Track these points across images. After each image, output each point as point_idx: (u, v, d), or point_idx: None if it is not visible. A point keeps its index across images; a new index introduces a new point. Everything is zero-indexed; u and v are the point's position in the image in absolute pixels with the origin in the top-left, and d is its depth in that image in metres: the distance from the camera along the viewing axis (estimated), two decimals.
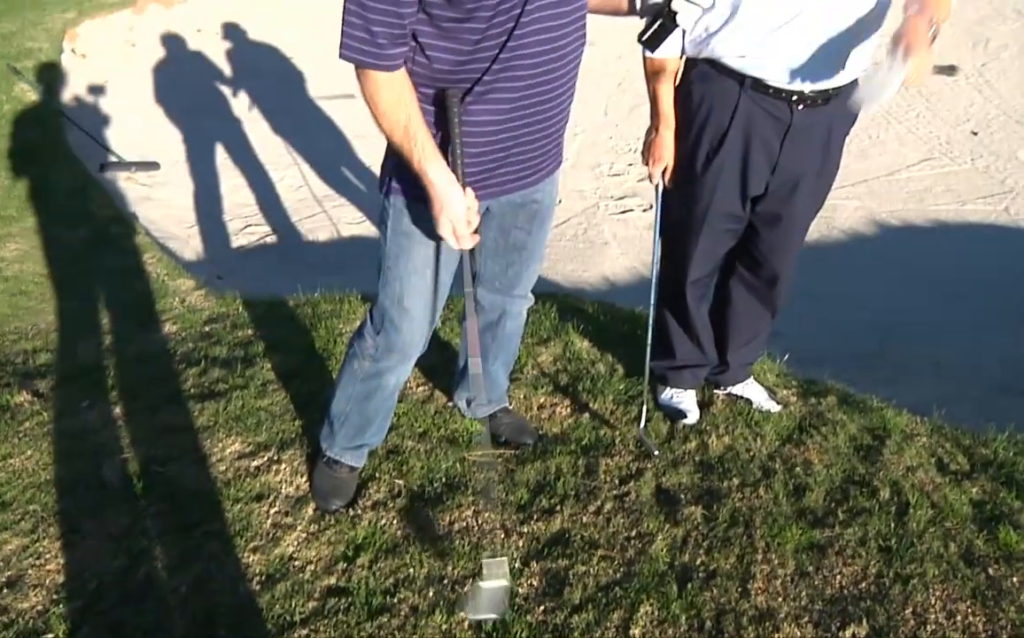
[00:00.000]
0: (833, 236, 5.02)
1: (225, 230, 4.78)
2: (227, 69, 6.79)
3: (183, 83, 6.52)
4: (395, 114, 1.79)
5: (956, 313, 4.33)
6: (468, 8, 1.74)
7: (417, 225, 1.96)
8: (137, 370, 2.98)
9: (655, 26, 1.89)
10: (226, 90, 6.43)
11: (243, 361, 2.95)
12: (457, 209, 1.82)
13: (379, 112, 1.81)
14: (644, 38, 1.91)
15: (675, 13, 1.85)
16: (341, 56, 1.78)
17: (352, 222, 4.65)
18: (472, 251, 1.91)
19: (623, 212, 4.86)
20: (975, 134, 6.50)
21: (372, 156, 5.34)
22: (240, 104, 6.22)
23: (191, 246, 4.66)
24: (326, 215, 4.71)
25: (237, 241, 4.67)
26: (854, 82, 2.22)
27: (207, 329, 3.31)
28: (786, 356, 2.99)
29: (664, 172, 2.38)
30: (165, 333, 3.30)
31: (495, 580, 1.89)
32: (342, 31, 1.76)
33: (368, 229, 4.60)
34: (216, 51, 7.02)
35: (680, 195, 2.38)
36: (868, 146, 6.19)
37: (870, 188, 5.60)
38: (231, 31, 7.25)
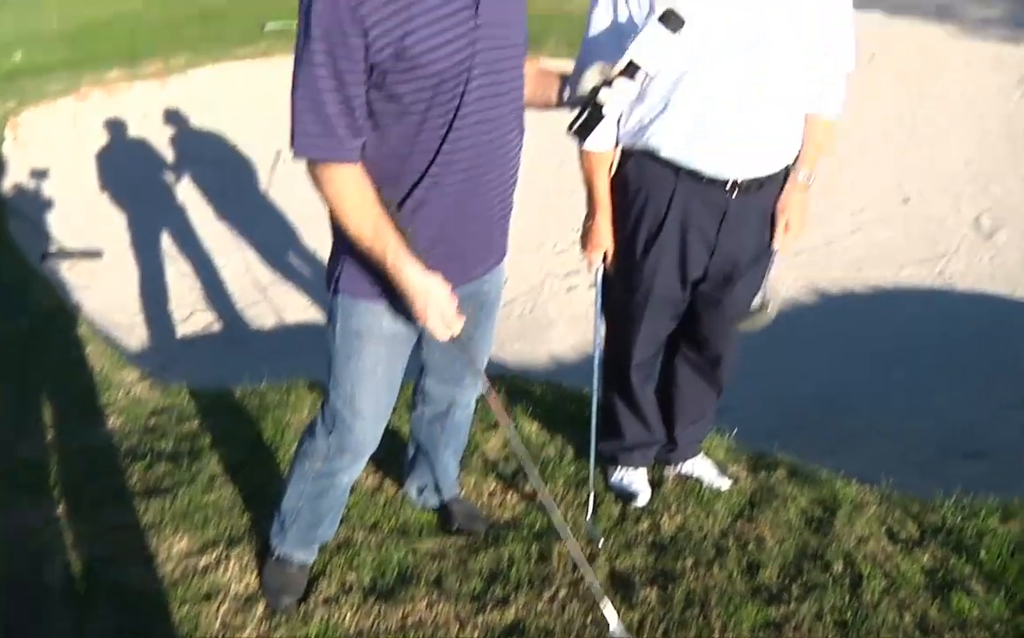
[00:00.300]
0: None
1: (170, 318, 4.72)
2: (171, 155, 6.78)
3: (127, 170, 6.49)
4: (364, 212, 1.78)
5: (897, 379, 4.42)
6: (405, 101, 1.77)
7: (367, 324, 1.95)
8: (80, 466, 2.91)
9: (583, 117, 1.92)
10: (170, 176, 6.41)
11: (189, 455, 2.90)
12: (441, 296, 1.81)
13: (346, 212, 1.79)
14: (573, 129, 1.94)
15: (601, 104, 1.88)
16: (296, 154, 1.76)
17: (297, 308, 4.64)
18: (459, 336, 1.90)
19: (568, 290, 4.90)
20: (906, 202, 6.70)
21: (317, 240, 5.34)
22: (184, 190, 6.20)
23: (136, 335, 4.60)
24: (270, 302, 4.68)
25: (182, 330, 4.61)
26: (785, 169, 2.29)
27: (152, 422, 3.25)
28: (735, 430, 3.02)
29: (604, 257, 2.42)
30: (109, 427, 3.24)
31: None
32: (293, 126, 1.75)
33: (314, 314, 4.58)
34: (160, 137, 7.00)
35: (620, 280, 2.43)
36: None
37: (809, 258, 5.72)
38: (174, 117, 7.25)
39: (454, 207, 1.87)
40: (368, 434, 2.09)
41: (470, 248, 1.98)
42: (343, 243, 1.92)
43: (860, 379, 4.36)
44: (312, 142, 1.74)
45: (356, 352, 1.98)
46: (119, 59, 8.11)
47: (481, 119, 1.85)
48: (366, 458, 2.16)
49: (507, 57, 1.89)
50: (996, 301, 5.35)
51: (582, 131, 1.93)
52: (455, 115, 1.81)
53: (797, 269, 5.62)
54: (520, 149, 2.00)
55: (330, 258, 2.02)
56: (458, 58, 1.76)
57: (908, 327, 5.00)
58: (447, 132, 1.82)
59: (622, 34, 2.10)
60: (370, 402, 2.04)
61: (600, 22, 2.18)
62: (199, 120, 7.23)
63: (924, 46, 11.42)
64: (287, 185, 6.08)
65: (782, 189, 2.36)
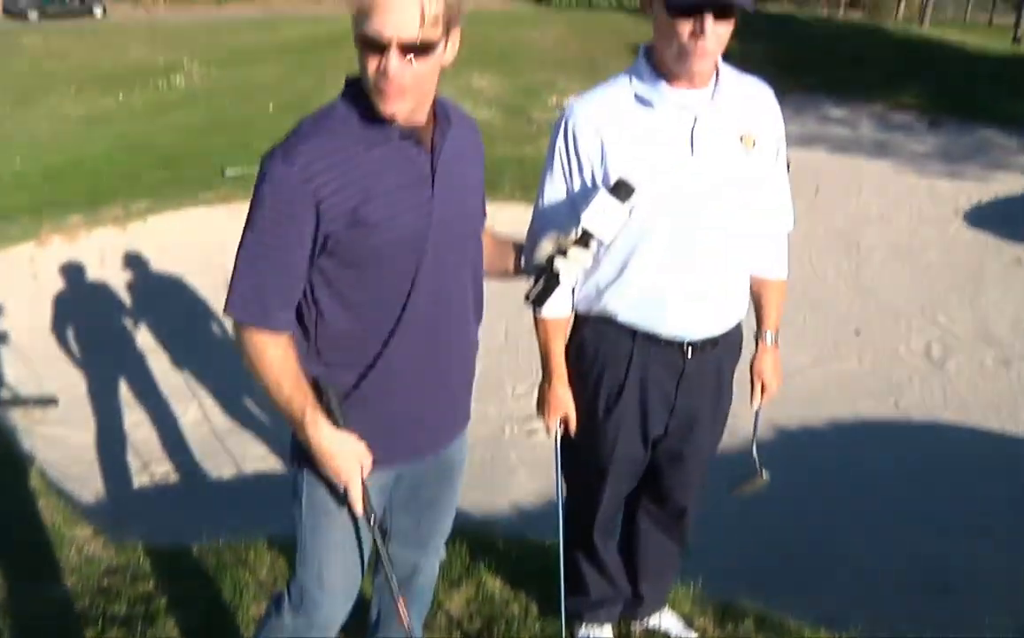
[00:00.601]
0: (735, 445, 5.14)
1: (126, 469, 4.64)
2: (129, 301, 6.77)
3: (84, 316, 6.45)
4: (282, 378, 1.79)
5: (860, 513, 4.45)
6: (360, 270, 1.80)
7: (333, 497, 1.93)
8: (29, 631, 2.82)
9: (539, 286, 1.96)
10: (128, 322, 6.38)
11: (144, 619, 2.82)
12: (356, 453, 1.81)
13: (263, 375, 1.80)
14: (530, 298, 1.98)
15: (557, 272, 1.93)
16: (225, 311, 1.78)
17: (256, 457, 4.59)
18: (384, 537, 1.90)
19: (529, 434, 4.91)
20: (858, 334, 6.86)
21: None
22: (142, 336, 6.17)
23: (90, 487, 4.50)
24: (229, 452, 4.63)
25: (139, 480, 4.53)
26: (738, 325, 2.37)
27: (106, 582, 3.16)
28: (700, 580, 3.00)
29: (562, 422, 2.44)
30: (61, 588, 3.14)
31: None
32: (230, 283, 1.78)
33: (273, 464, 4.53)
34: (119, 283, 7.00)
35: (581, 444, 2.44)
36: None
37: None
38: (134, 262, 7.27)
39: (416, 377, 1.88)
40: (338, 610, 2.04)
41: (436, 418, 1.98)
42: None
43: (823, 515, 4.38)
44: (242, 305, 1.77)
45: (323, 527, 1.95)
46: (80, 204, 8.16)
47: (439, 289, 1.88)
48: (335, 633, 2.11)
49: (464, 228, 1.93)
50: (950, 429, 5.46)
51: (539, 300, 1.97)
52: (412, 286, 1.84)
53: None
54: (479, 319, 2.04)
55: (293, 433, 2.01)
56: (413, 229, 1.80)
57: (867, 460, 5.06)
58: (405, 303, 1.84)
59: (574, 202, 2.18)
60: (340, 577, 2.00)
61: (552, 191, 2.25)
62: (158, 265, 7.25)
63: (866, 180, 11.90)
64: None
65: (736, 343, 2.42)
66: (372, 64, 1.66)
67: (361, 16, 1.65)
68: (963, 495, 4.59)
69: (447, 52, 1.75)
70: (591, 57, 18.07)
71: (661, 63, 2.13)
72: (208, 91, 14.58)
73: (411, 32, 1.64)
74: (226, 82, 15.18)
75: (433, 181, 1.82)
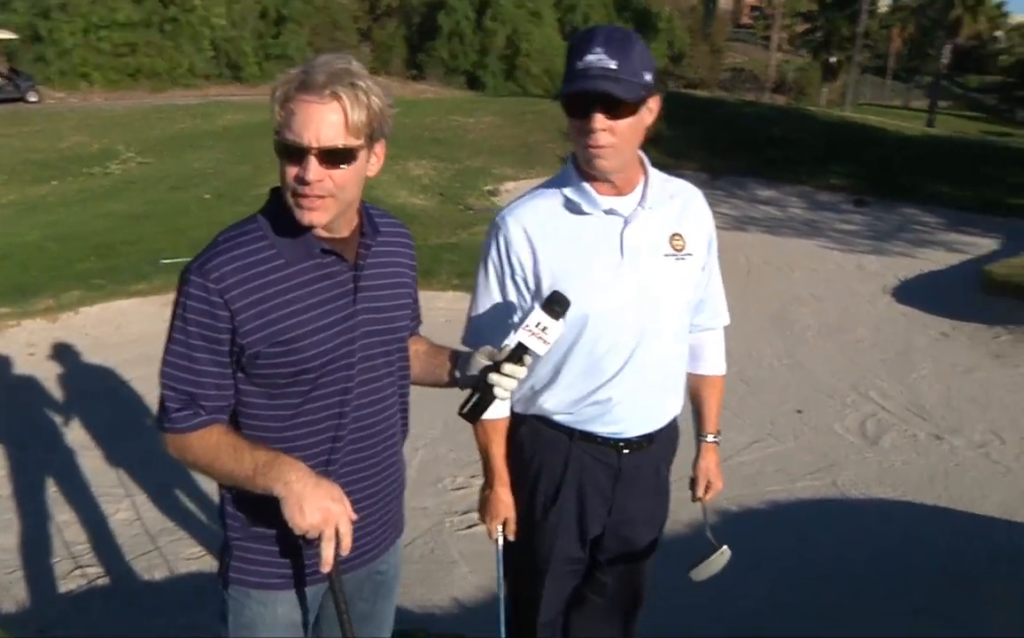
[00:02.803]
0: (676, 530, 5.15)
1: (52, 573, 4.45)
2: (59, 395, 6.58)
3: (11, 411, 6.26)
4: (214, 456, 1.77)
5: (801, 596, 4.45)
6: (281, 385, 1.79)
7: (259, 614, 1.89)
8: None
9: (474, 400, 1.97)
10: (57, 417, 6.20)
11: None
12: (324, 493, 1.72)
13: (200, 470, 1.81)
14: (464, 411, 1.98)
15: (492, 385, 1.93)
16: (158, 425, 1.81)
17: (190, 557, 4.44)
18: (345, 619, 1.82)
19: (469, 527, 4.84)
20: (800, 412, 6.96)
21: (211, 484, 5.18)
22: (71, 432, 5.99)
23: (13, 595, 4.31)
24: (160, 552, 4.49)
25: (66, 585, 4.35)
26: (674, 420, 2.40)
27: None
28: None
29: (504, 525, 2.43)
30: None
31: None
32: (160, 398, 1.80)
33: (208, 563, 4.39)
34: (48, 376, 6.82)
35: (521, 545, 2.44)
36: None
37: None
38: (64, 354, 7.10)
39: (345, 491, 1.83)
40: None
41: (367, 530, 1.96)
42: (227, 528, 1.90)
43: (763, 599, 4.38)
44: (170, 418, 1.76)
45: None
46: (9, 295, 7.97)
47: (365, 403, 1.88)
48: None
49: (389, 342, 1.94)
50: (887, 505, 5.52)
51: (472, 414, 1.97)
52: (339, 403, 1.83)
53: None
54: (406, 433, 2.04)
55: (222, 546, 1.97)
56: (335, 343, 1.80)
57: (808, 539, 5.08)
58: (332, 419, 1.83)
59: (509, 310, 2.22)
60: None
61: (486, 300, 2.27)
62: (90, 358, 7.09)
63: (796, 260, 12.23)
64: None
65: (673, 438, 2.46)
66: (291, 172, 1.67)
67: (281, 123, 1.66)
68: (905, 573, 4.63)
69: (371, 164, 1.76)
70: (525, 143, 18.38)
71: (585, 168, 2.19)
72: (143, 178, 14.46)
73: (331, 139, 1.65)
74: (162, 170, 15.09)
75: (356, 297, 1.82)
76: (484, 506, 2.44)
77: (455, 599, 4.21)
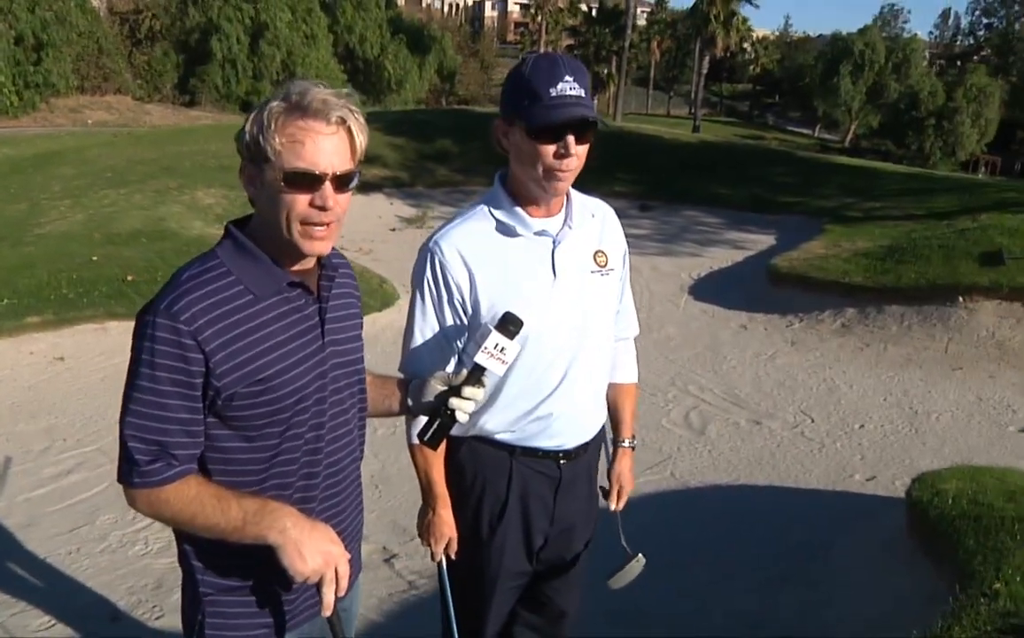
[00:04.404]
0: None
1: None
2: None
3: None
4: (195, 510, 1.68)
5: (667, 584, 4.65)
6: (258, 425, 1.73)
7: None
8: None
9: (435, 425, 1.98)
10: None
11: None
12: (322, 535, 1.68)
13: (174, 523, 1.71)
14: (427, 437, 1.98)
15: (453, 411, 1.95)
16: (119, 479, 1.71)
17: (39, 629, 4.08)
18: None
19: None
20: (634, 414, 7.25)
21: (46, 544, 4.80)
22: None
23: None
24: (3, 627, 4.10)
25: None
26: (603, 427, 2.49)
27: None
28: None
29: (447, 546, 2.43)
30: None
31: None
32: (120, 450, 1.70)
33: (62, 631, 4.06)
34: None
35: (466, 565, 2.45)
36: None
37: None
38: None
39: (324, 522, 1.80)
40: None
41: None
42: (197, 584, 1.79)
43: (633, 592, 4.54)
44: (137, 471, 1.66)
45: None
46: None
47: (338, 435, 1.86)
48: None
49: (353, 375, 1.92)
50: (724, 490, 5.88)
51: (434, 440, 1.98)
52: (315, 436, 1.80)
53: None
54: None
55: (184, 605, 1.86)
56: (309, 378, 1.77)
57: (658, 532, 5.29)
58: (308, 455, 1.80)
59: (445, 339, 2.24)
60: None
61: (424, 326, 2.28)
62: None
63: None
64: (20, 489, 5.47)
65: (599, 443, 2.55)
66: (302, 200, 1.63)
67: (281, 152, 1.61)
68: (756, 549, 4.95)
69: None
70: None
71: (519, 190, 2.23)
72: None
73: (343, 165, 1.64)
74: None
75: (323, 330, 1.79)
76: (427, 529, 2.43)
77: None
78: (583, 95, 2.12)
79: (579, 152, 2.15)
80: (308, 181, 1.64)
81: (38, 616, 4.13)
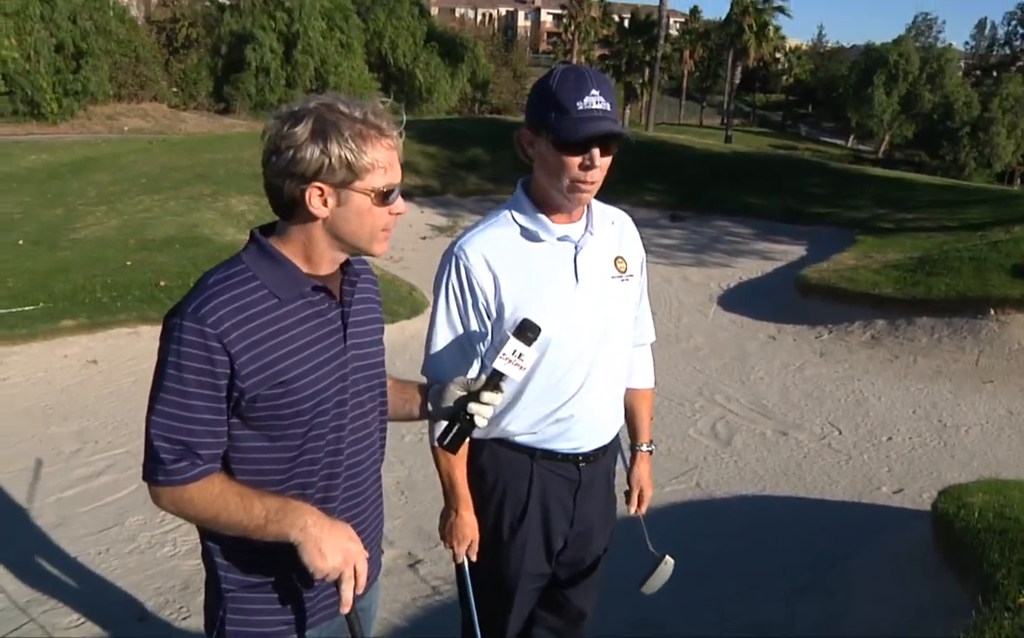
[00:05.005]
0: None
1: None
2: None
3: None
4: (219, 508, 1.72)
5: (689, 595, 4.65)
6: (282, 426, 1.77)
7: None
8: None
9: (455, 430, 2.01)
10: None
11: None
12: (341, 533, 1.72)
13: (198, 521, 1.75)
14: (446, 442, 2.02)
15: (472, 416, 1.99)
16: (144, 478, 1.75)
17: (69, 627, 4.16)
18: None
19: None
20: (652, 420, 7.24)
21: (78, 547, 4.89)
22: None
23: None
24: (36, 623, 4.18)
25: None
26: (616, 438, 2.52)
27: None
28: None
29: (469, 548, 2.46)
30: None
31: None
32: (146, 451, 1.73)
33: (90, 630, 4.14)
34: None
35: (487, 568, 2.48)
36: None
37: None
38: None
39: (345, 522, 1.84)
40: None
41: None
42: (219, 581, 1.83)
43: (654, 600, 4.54)
44: (163, 470, 1.70)
45: None
46: None
47: (357, 440, 1.89)
48: None
49: (375, 378, 1.96)
50: (750, 500, 5.86)
51: (454, 444, 2.02)
52: (336, 437, 1.83)
53: None
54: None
55: (207, 602, 1.90)
56: (331, 380, 1.81)
57: (683, 542, 5.27)
58: (330, 455, 1.83)
59: (469, 343, 2.27)
60: None
61: (445, 333, 2.32)
62: None
63: None
64: (51, 490, 5.59)
65: (617, 446, 2.57)
66: (383, 211, 1.71)
67: (361, 167, 1.69)
68: (779, 560, 4.94)
69: None
70: None
71: (542, 197, 2.27)
72: None
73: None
74: None
75: (346, 334, 1.83)
76: (449, 531, 2.46)
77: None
78: (609, 109, 2.16)
79: (603, 164, 2.18)
80: (386, 196, 1.77)
81: (68, 614, 4.21)
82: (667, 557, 2.77)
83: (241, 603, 1.81)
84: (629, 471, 2.72)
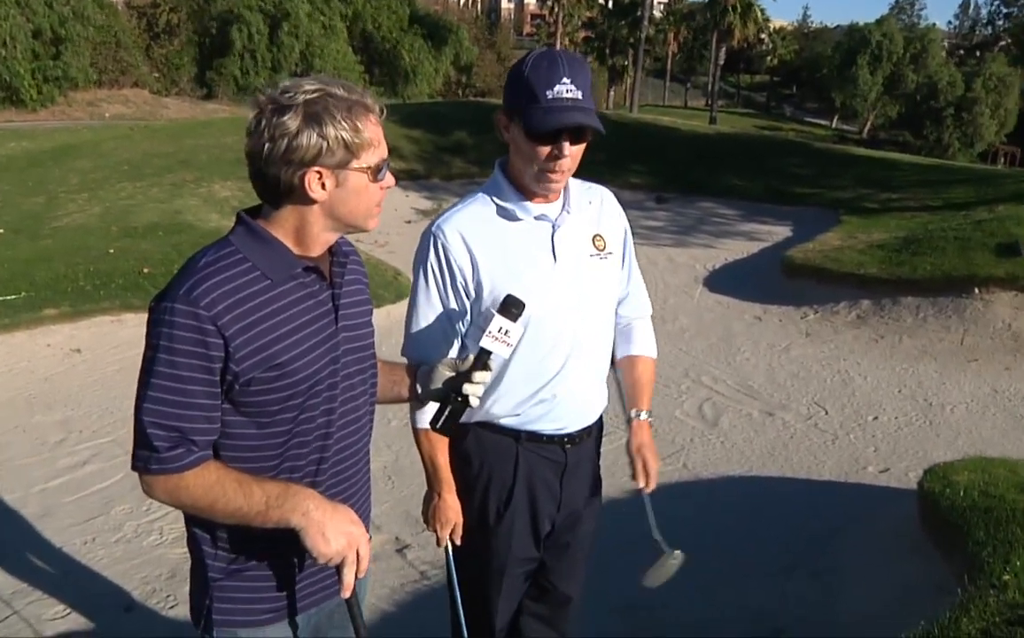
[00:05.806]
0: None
1: None
2: None
3: None
4: (216, 495, 1.69)
5: (678, 575, 4.66)
6: (272, 410, 1.75)
7: None
8: None
9: (447, 412, 2.00)
10: None
11: None
12: (343, 517, 1.71)
13: (193, 510, 1.72)
14: (439, 425, 2.01)
15: (466, 396, 1.97)
16: (134, 467, 1.72)
17: (55, 618, 4.14)
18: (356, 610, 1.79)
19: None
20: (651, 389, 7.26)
21: (63, 537, 4.85)
22: None
23: None
24: (19, 616, 4.15)
25: None
26: (600, 420, 2.48)
27: None
28: None
29: (453, 531, 2.44)
30: None
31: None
32: (136, 440, 1.70)
33: (76, 621, 4.11)
34: None
35: (474, 553, 2.46)
36: None
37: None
38: None
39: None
40: None
41: None
42: (206, 568, 1.81)
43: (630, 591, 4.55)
44: (156, 458, 1.68)
45: None
46: None
47: (347, 424, 1.87)
48: None
49: (365, 360, 1.94)
50: (737, 481, 5.87)
51: (446, 426, 2.01)
52: (326, 421, 1.81)
53: None
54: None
55: (192, 589, 1.88)
56: (323, 363, 1.79)
57: (671, 523, 5.26)
58: (319, 439, 1.81)
59: (449, 323, 2.25)
60: None
61: (425, 314, 2.30)
62: None
63: None
64: (36, 480, 5.55)
65: (601, 427, 2.55)
66: (375, 187, 1.69)
67: (358, 145, 1.71)
68: (767, 539, 4.96)
69: None
70: None
71: (518, 178, 2.25)
72: None
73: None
74: None
75: (337, 315, 1.82)
76: (432, 514, 2.45)
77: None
78: (581, 97, 2.13)
79: (573, 153, 2.16)
80: (377, 172, 1.77)
81: (53, 605, 4.18)
82: (676, 552, 2.62)
83: (228, 591, 1.80)
84: (628, 441, 2.60)
